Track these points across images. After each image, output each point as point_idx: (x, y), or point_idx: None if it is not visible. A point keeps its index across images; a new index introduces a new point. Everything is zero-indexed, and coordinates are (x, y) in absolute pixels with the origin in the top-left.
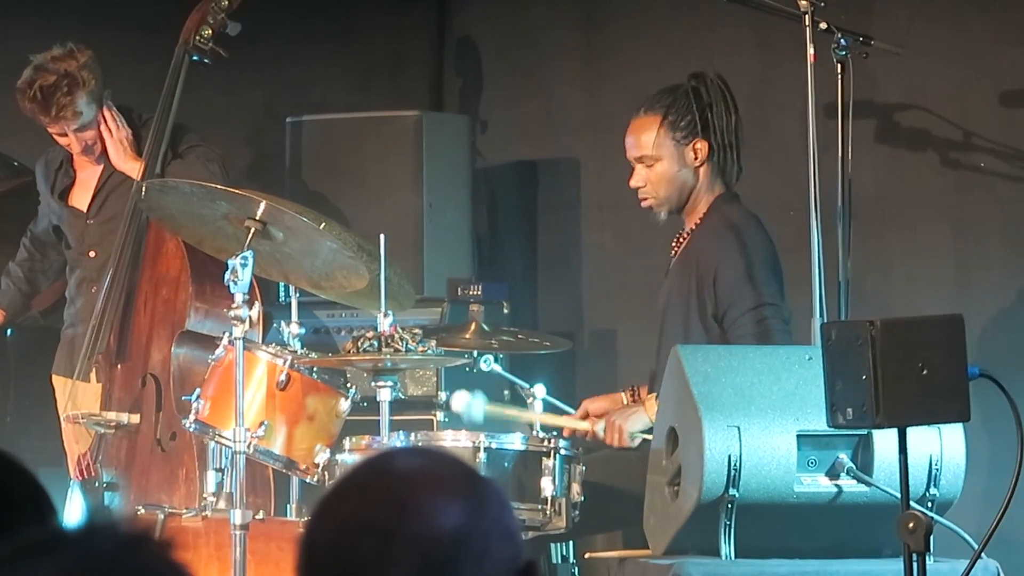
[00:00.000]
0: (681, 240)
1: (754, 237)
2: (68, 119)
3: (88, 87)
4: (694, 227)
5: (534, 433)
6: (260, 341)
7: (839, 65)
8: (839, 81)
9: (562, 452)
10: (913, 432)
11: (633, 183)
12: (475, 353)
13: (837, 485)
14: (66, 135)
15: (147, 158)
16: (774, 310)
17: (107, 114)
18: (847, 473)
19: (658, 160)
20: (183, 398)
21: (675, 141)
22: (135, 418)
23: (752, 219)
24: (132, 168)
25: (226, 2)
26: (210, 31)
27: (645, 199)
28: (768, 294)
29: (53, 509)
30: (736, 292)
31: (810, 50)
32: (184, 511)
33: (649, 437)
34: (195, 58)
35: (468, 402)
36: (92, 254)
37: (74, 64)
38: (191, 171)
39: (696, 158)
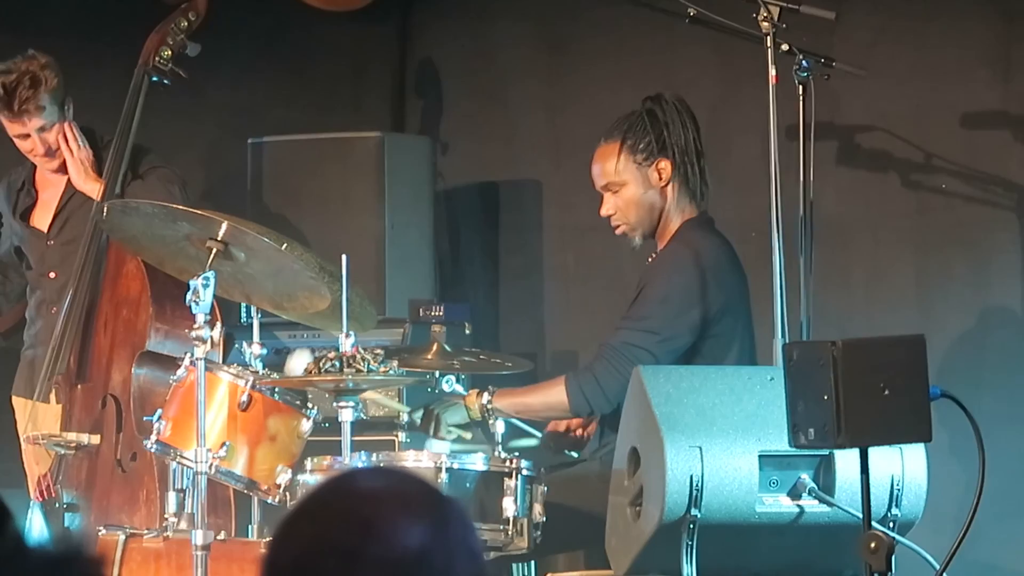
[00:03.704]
0: (647, 262)
1: (684, 267)
2: (31, 113)
3: (50, 85)
4: (662, 248)
5: (496, 454)
6: (222, 362)
7: (801, 87)
8: (801, 102)
9: (524, 472)
10: (875, 452)
11: (604, 212)
12: (437, 374)
13: (799, 505)
14: (28, 136)
15: (107, 179)
16: (648, 338)
17: (68, 132)
18: (809, 493)
19: (624, 185)
20: (144, 419)
21: (637, 164)
22: (95, 439)
23: (710, 244)
24: (92, 189)
25: (186, 23)
26: (170, 52)
27: (618, 226)
28: (655, 321)
29: (9, 515)
30: (638, 306)
31: (772, 71)
32: (145, 532)
33: (467, 436)
34: (155, 79)
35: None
36: (52, 275)
37: (36, 64)
38: (151, 192)
39: (661, 178)
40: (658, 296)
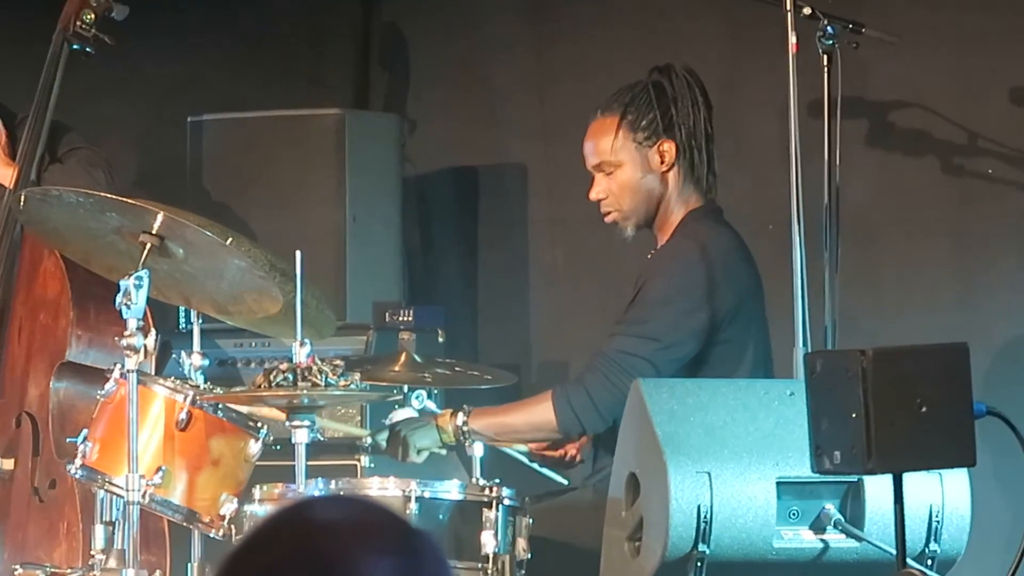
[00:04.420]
0: (647, 258)
1: (710, 261)
2: None
3: None
4: (663, 243)
5: (474, 480)
6: (156, 374)
7: (825, 56)
8: (825, 75)
9: (506, 502)
10: (910, 479)
11: (593, 195)
12: (405, 388)
13: (823, 540)
14: None
15: (21, 163)
16: (646, 345)
17: None
18: (834, 526)
19: (619, 166)
20: (67, 440)
21: (636, 143)
22: (8, 463)
23: (719, 237)
24: (4, 174)
25: None
26: (93, 15)
27: (608, 212)
28: (654, 326)
29: None
30: (637, 309)
31: (792, 39)
32: (68, 571)
33: (442, 452)
34: (76, 47)
35: None
36: None
37: None
38: (71, 177)
39: (663, 162)
40: (659, 297)
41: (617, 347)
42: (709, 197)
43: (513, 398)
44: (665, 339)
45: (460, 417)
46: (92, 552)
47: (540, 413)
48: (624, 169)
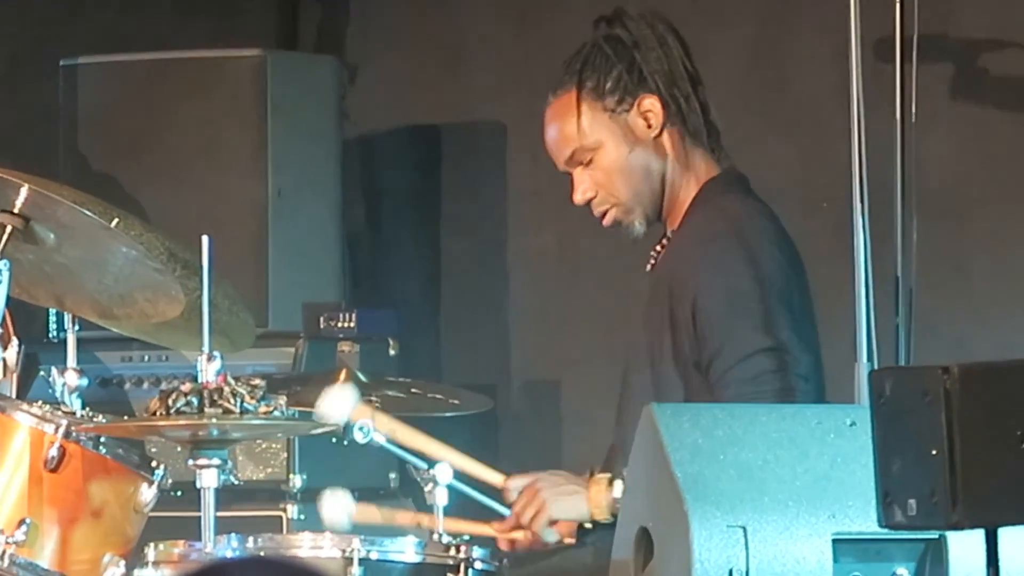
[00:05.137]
0: (657, 250)
1: (756, 245)
2: None
3: None
4: (676, 228)
5: (435, 537)
6: (18, 397)
7: None
8: (897, 7)
9: (477, 566)
10: (1008, 535)
11: (578, 197)
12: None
13: None
14: None
15: None
16: (778, 358)
17: None
18: None
19: (597, 149)
20: None
21: (610, 112)
22: None
23: (758, 214)
24: None
25: None
26: None
27: (604, 211)
28: (772, 335)
29: None
30: (723, 332)
31: None
32: None
33: (571, 542)
34: None
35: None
36: None
37: None
38: None
39: (650, 124)
40: (734, 304)
41: (739, 390)
42: (725, 164)
43: (488, 427)
44: (781, 342)
45: (619, 488)
46: None
47: None
48: (605, 150)
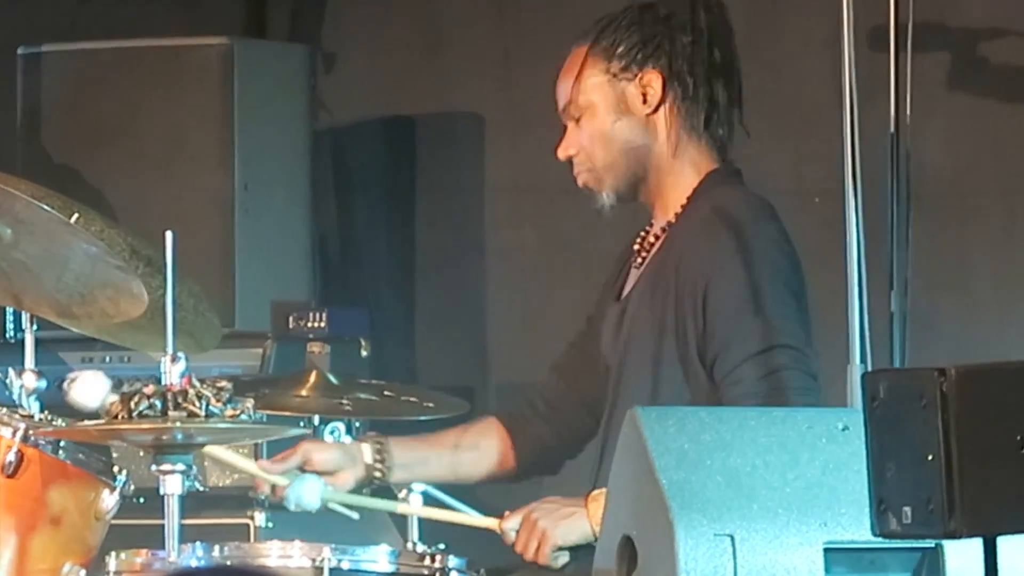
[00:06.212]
0: (648, 241)
1: (770, 243)
2: None
3: None
4: (673, 219)
5: (409, 545)
6: None
7: None
8: None
9: (454, 575)
10: (1007, 544)
11: (561, 151)
12: (316, 420)
13: None
14: None
15: None
16: (795, 356)
17: None
18: None
19: (587, 108)
20: None
21: (611, 76)
22: None
23: (766, 211)
24: None
25: None
26: None
27: (579, 172)
28: (787, 331)
29: None
30: (735, 326)
31: None
32: None
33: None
34: None
35: (300, 485)
36: None
37: None
38: None
39: (645, 100)
40: (750, 299)
41: (754, 387)
42: (728, 160)
43: None
44: (795, 340)
45: None
46: None
47: None
48: (593, 112)
